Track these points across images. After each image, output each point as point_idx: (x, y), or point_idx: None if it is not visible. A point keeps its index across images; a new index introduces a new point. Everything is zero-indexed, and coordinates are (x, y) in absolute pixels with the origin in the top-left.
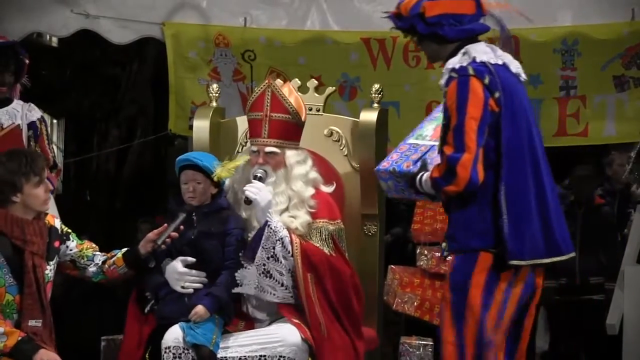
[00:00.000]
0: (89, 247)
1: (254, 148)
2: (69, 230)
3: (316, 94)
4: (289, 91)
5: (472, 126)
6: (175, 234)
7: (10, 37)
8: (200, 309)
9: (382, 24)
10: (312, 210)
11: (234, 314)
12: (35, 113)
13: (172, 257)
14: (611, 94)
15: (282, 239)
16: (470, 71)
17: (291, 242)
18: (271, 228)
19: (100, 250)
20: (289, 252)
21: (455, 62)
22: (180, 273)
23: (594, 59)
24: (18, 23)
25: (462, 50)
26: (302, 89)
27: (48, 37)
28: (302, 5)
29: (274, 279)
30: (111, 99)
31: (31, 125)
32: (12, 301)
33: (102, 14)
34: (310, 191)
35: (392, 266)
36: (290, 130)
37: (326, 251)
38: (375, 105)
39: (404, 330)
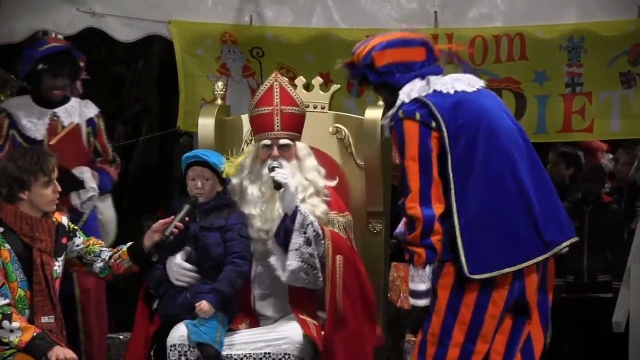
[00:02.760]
0: (95, 243)
1: (267, 142)
2: (76, 227)
3: (321, 92)
4: (293, 85)
5: (412, 167)
6: (180, 225)
7: (16, 35)
8: (204, 304)
9: (387, 22)
10: (327, 199)
11: (237, 310)
12: (92, 109)
13: (175, 253)
14: (617, 90)
15: (312, 222)
16: (401, 115)
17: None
18: (302, 213)
19: (106, 247)
20: (319, 236)
21: (392, 110)
22: (177, 265)
23: (600, 55)
24: (24, 21)
25: (397, 97)
26: (308, 87)
27: (54, 35)
28: (308, 3)
29: (307, 263)
30: (117, 97)
31: (89, 122)
32: (23, 296)
33: (107, 12)
34: (323, 182)
35: (395, 263)
36: (299, 122)
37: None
38: (381, 102)
39: (408, 328)
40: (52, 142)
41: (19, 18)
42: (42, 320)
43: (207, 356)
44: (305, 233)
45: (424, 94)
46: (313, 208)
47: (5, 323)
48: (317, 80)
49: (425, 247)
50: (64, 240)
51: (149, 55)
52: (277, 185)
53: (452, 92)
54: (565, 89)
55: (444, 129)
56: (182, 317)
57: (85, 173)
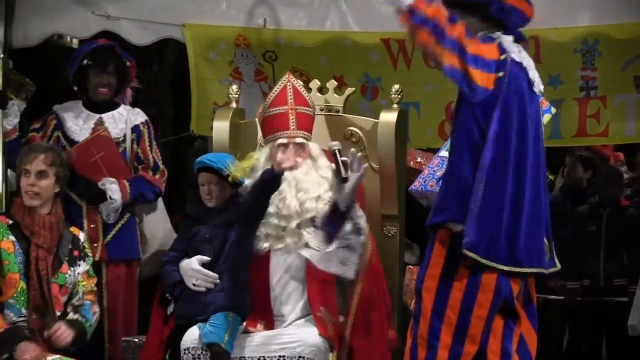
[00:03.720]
0: (87, 285)
1: (283, 140)
2: (89, 253)
3: (336, 95)
4: (307, 89)
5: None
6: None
7: (31, 39)
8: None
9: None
10: None
11: (250, 310)
12: (139, 117)
13: (189, 257)
14: (632, 94)
15: (362, 215)
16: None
17: None
18: (356, 204)
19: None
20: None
21: None
22: (194, 270)
23: (614, 59)
24: (39, 25)
25: (492, 35)
26: (322, 90)
27: (69, 39)
28: (322, 6)
29: (353, 251)
30: (131, 100)
31: (135, 129)
32: (25, 289)
33: (122, 15)
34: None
35: (410, 266)
36: (311, 123)
37: None
38: (395, 105)
39: None
40: (71, 149)
41: (33, 22)
42: (34, 317)
43: (215, 355)
44: (357, 224)
45: (515, 58)
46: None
47: None
48: (332, 84)
49: None
50: (76, 253)
51: (164, 58)
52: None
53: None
54: (579, 92)
55: (501, 95)
56: (197, 320)
57: (107, 184)
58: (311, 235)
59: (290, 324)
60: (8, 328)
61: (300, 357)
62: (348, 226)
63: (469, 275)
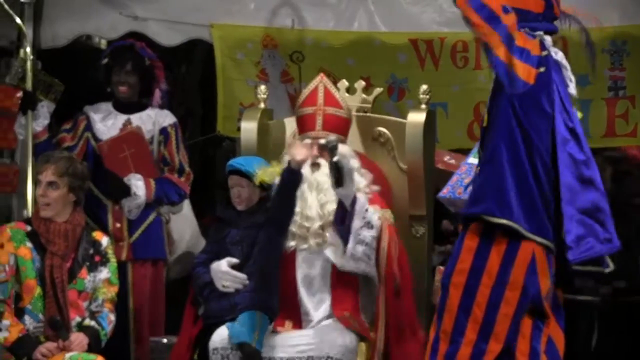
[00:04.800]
0: (107, 292)
1: (308, 141)
2: (111, 259)
3: (364, 95)
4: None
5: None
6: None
7: (59, 40)
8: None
9: (430, 25)
10: (369, 196)
11: (278, 309)
12: (168, 119)
13: (219, 259)
14: None
15: (368, 209)
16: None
17: None
18: (360, 199)
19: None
20: (378, 219)
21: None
22: (223, 272)
23: None
24: (67, 25)
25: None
26: (350, 90)
27: (97, 40)
28: (350, 7)
29: (368, 245)
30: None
31: (162, 131)
32: (42, 295)
33: (150, 16)
34: (364, 181)
35: (440, 267)
36: (341, 124)
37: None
38: (423, 106)
39: None
40: (101, 142)
41: (62, 23)
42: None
43: (246, 355)
44: (364, 217)
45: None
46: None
47: None
48: (360, 84)
49: None
50: (98, 259)
51: (192, 59)
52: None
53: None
54: (607, 92)
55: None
56: (225, 320)
57: (133, 180)
58: (331, 237)
59: (317, 323)
60: (26, 334)
61: (329, 357)
62: (358, 221)
63: (497, 272)
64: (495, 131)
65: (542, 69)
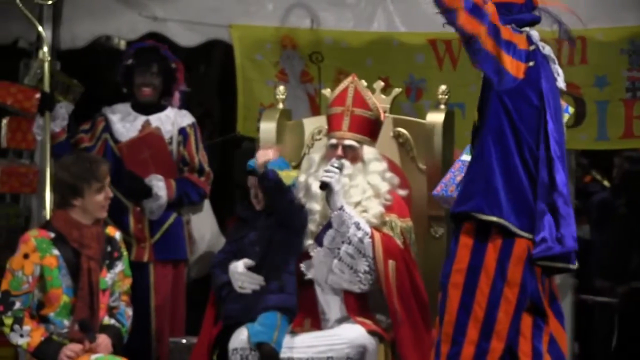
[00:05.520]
0: (123, 285)
1: (333, 141)
2: (124, 252)
3: (383, 96)
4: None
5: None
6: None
7: (78, 41)
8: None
9: (449, 26)
10: (388, 203)
11: (297, 310)
12: (186, 119)
13: (237, 259)
14: None
15: (358, 223)
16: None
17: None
18: (346, 212)
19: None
20: (367, 234)
21: None
22: (240, 273)
23: None
24: (86, 26)
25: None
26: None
27: (116, 40)
28: (369, 7)
29: (344, 262)
30: (180, 104)
31: (181, 131)
32: (68, 303)
33: (169, 16)
34: (386, 187)
35: None
36: (369, 126)
37: (399, 243)
38: (442, 106)
39: None
40: (121, 144)
41: (81, 23)
42: (75, 328)
43: (265, 355)
44: (347, 232)
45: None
46: (367, 210)
47: (16, 327)
48: (379, 84)
49: None
50: (116, 254)
51: (210, 60)
52: (322, 185)
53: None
54: (625, 93)
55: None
56: (244, 320)
57: (154, 180)
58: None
59: (334, 322)
60: (48, 337)
61: (348, 357)
62: (338, 237)
63: (494, 269)
64: (484, 128)
65: (531, 63)
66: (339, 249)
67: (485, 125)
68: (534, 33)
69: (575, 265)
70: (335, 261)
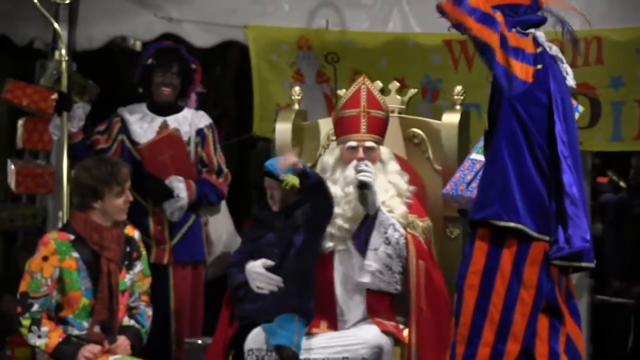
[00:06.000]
0: (142, 285)
1: (353, 144)
2: (143, 252)
3: (398, 96)
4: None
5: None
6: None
7: (94, 42)
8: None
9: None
10: (409, 202)
11: (314, 312)
12: (203, 120)
13: (254, 259)
14: None
15: (394, 224)
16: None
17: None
18: (384, 212)
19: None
20: (402, 235)
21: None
22: (258, 273)
23: None
24: (102, 27)
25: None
26: (385, 91)
27: (132, 41)
28: (384, 8)
29: (385, 264)
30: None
31: (199, 132)
32: (87, 305)
33: (185, 17)
34: (406, 185)
35: None
36: (383, 126)
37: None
38: (458, 107)
39: None
40: (141, 146)
41: (97, 24)
42: (95, 330)
43: (284, 358)
44: (385, 233)
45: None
46: (392, 210)
47: (34, 328)
48: (394, 85)
49: None
50: (135, 255)
51: (226, 60)
52: (362, 185)
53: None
54: None
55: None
56: (260, 320)
57: (175, 182)
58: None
59: (352, 324)
60: (66, 338)
61: (363, 358)
62: (379, 239)
63: (510, 271)
64: (496, 132)
65: (539, 66)
66: (377, 249)
67: (497, 129)
68: (540, 34)
69: (590, 264)
70: (374, 262)
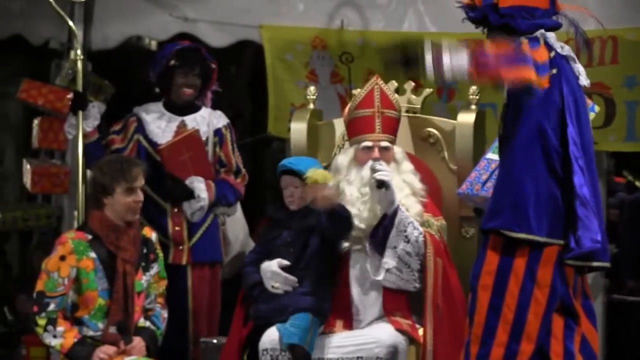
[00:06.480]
0: (158, 287)
1: (368, 144)
2: (160, 254)
3: (413, 96)
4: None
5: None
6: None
7: (110, 41)
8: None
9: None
10: (424, 200)
11: (329, 312)
12: (221, 120)
13: (269, 259)
14: None
15: (412, 222)
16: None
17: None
18: (403, 211)
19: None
20: (421, 233)
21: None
22: (273, 272)
23: None
24: (117, 27)
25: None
26: (400, 91)
27: (147, 41)
28: (399, 8)
29: (404, 262)
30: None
31: (217, 132)
32: (103, 305)
33: (200, 17)
34: (420, 184)
35: None
36: (396, 126)
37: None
38: (473, 106)
39: None
40: (161, 147)
41: (112, 24)
42: (110, 330)
43: (297, 357)
44: (404, 231)
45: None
46: (408, 209)
47: (50, 328)
48: (409, 85)
49: None
50: (152, 257)
51: (241, 60)
52: (380, 184)
53: (575, 72)
54: None
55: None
56: (275, 320)
57: (195, 182)
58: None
59: (368, 324)
60: (81, 338)
61: (377, 357)
62: (399, 237)
63: (524, 272)
64: (512, 137)
65: (554, 71)
66: (395, 247)
67: (512, 134)
68: (550, 35)
69: (604, 263)
70: (391, 260)
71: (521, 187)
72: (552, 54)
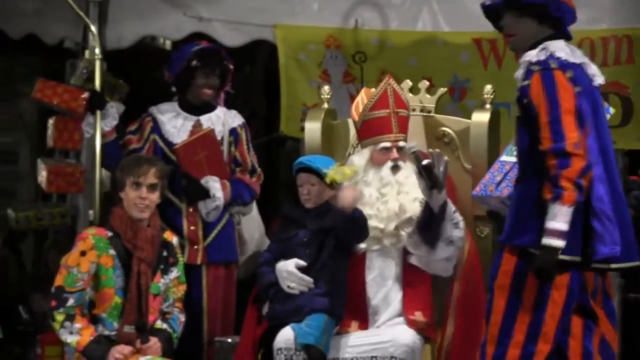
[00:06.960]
0: (177, 291)
1: (386, 144)
2: (180, 258)
3: (428, 95)
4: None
5: (570, 120)
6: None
7: (124, 41)
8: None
9: None
10: None
11: (343, 312)
12: (237, 119)
13: (285, 259)
14: None
15: (455, 209)
16: (553, 64)
17: None
18: (449, 202)
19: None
20: (460, 221)
21: (533, 55)
22: (289, 272)
23: None
24: (132, 27)
25: (541, 46)
26: (414, 90)
27: (162, 40)
28: (413, 7)
29: (456, 245)
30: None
31: (232, 132)
32: (119, 304)
33: (214, 16)
34: None
35: None
36: (408, 125)
37: None
38: (488, 106)
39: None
40: (176, 146)
41: (126, 24)
42: (124, 329)
43: (312, 358)
44: (453, 219)
45: (570, 60)
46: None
47: (67, 324)
48: (424, 84)
49: (578, 186)
50: (171, 260)
51: (255, 60)
52: (427, 169)
53: (589, 73)
54: None
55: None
56: (290, 320)
57: (211, 182)
58: (408, 237)
59: (383, 323)
60: (97, 336)
61: (392, 357)
62: (448, 225)
63: None
64: (531, 152)
65: (577, 89)
66: (449, 237)
67: (533, 149)
68: (557, 45)
69: (633, 262)
70: (452, 248)
71: (541, 204)
72: (569, 74)
